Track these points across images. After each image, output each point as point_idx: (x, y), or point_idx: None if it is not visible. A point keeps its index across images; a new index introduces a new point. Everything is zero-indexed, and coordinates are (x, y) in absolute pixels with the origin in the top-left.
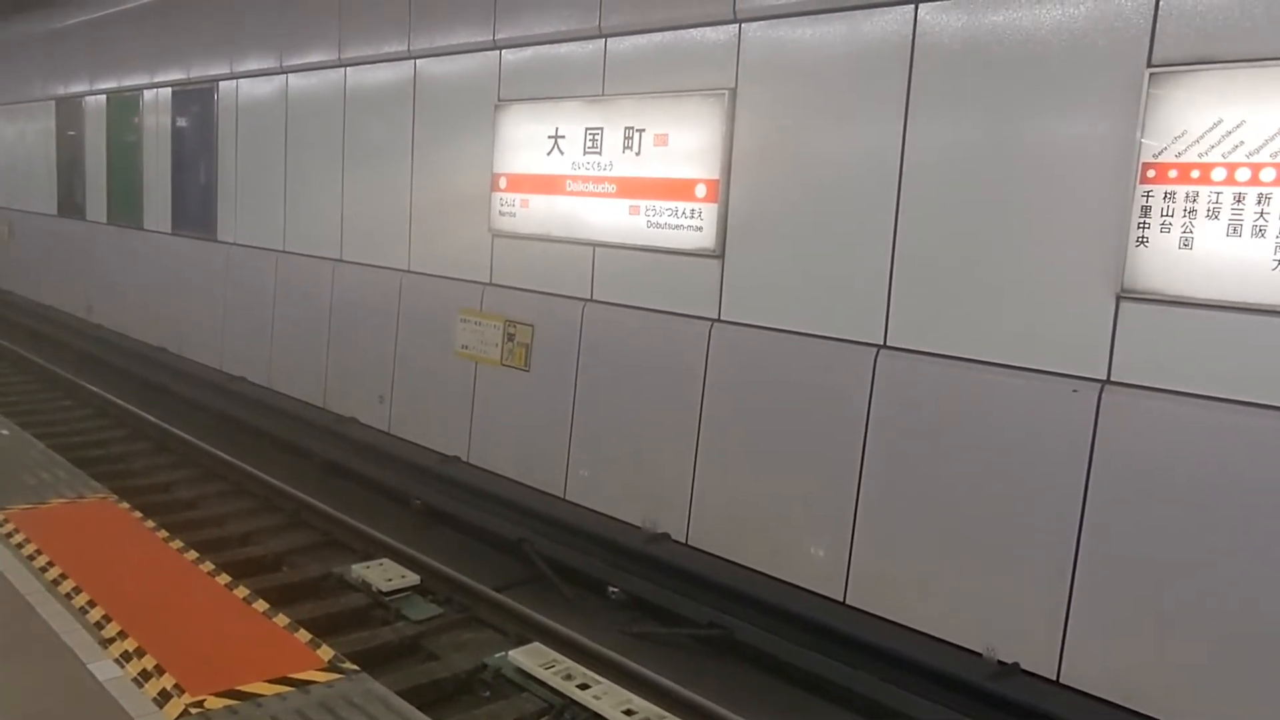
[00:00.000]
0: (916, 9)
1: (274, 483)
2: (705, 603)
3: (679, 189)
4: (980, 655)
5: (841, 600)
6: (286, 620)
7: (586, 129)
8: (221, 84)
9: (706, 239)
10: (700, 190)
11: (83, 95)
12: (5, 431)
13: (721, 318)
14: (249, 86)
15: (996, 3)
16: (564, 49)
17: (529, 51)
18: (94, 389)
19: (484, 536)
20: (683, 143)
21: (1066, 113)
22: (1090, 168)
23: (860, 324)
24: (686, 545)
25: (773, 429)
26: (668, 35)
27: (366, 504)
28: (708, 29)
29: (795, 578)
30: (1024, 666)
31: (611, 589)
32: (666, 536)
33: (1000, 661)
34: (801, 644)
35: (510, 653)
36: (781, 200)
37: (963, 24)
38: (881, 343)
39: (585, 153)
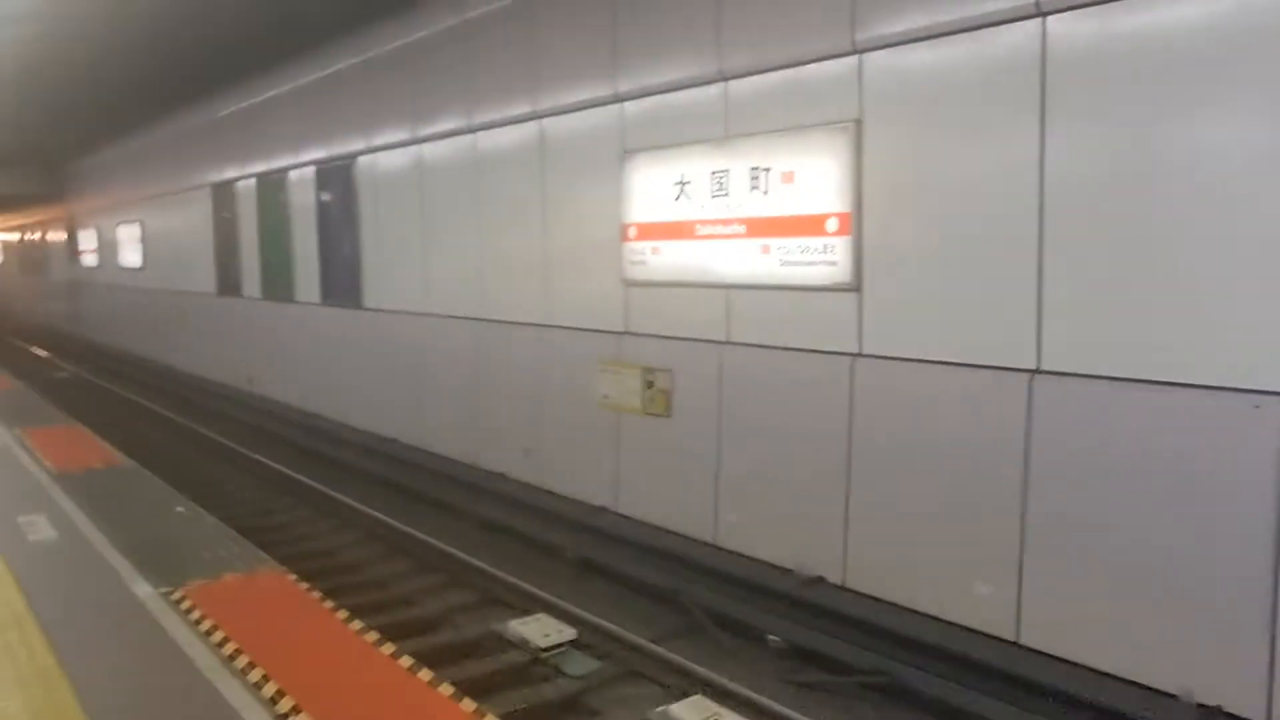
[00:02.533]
0: (1044, 22)
1: (431, 542)
2: (867, 647)
3: (809, 225)
4: (1176, 698)
5: (1014, 641)
6: (450, 689)
7: (712, 172)
8: (360, 159)
9: (841, 273)
10: (832, 224)
11: (235, 180)
12: (181, 509)
13: (863, 351)
14: (385, 159)
15: (1130, 6)
16: (685, 95)
17: (651, 101)
18: (258, 457)
19: (637, 586)
20: (810, 178)
21: (1222, 113)
22: (1259, 169)
23: (1011, 349)
24: (843, 588)
25: (926, 462)
26: (788, 73)
27: (519, 558)
28: (828, 63)
29: (962, 618)
30: (1228, 709)
31: (770, 636)
32: (821, 580)
33: (1201, 705)
34: (973, 688)
35: (672, 707)
36: (917, 227)
37: (1094, 31)
38: (1035, 367)
39: (713, 196)
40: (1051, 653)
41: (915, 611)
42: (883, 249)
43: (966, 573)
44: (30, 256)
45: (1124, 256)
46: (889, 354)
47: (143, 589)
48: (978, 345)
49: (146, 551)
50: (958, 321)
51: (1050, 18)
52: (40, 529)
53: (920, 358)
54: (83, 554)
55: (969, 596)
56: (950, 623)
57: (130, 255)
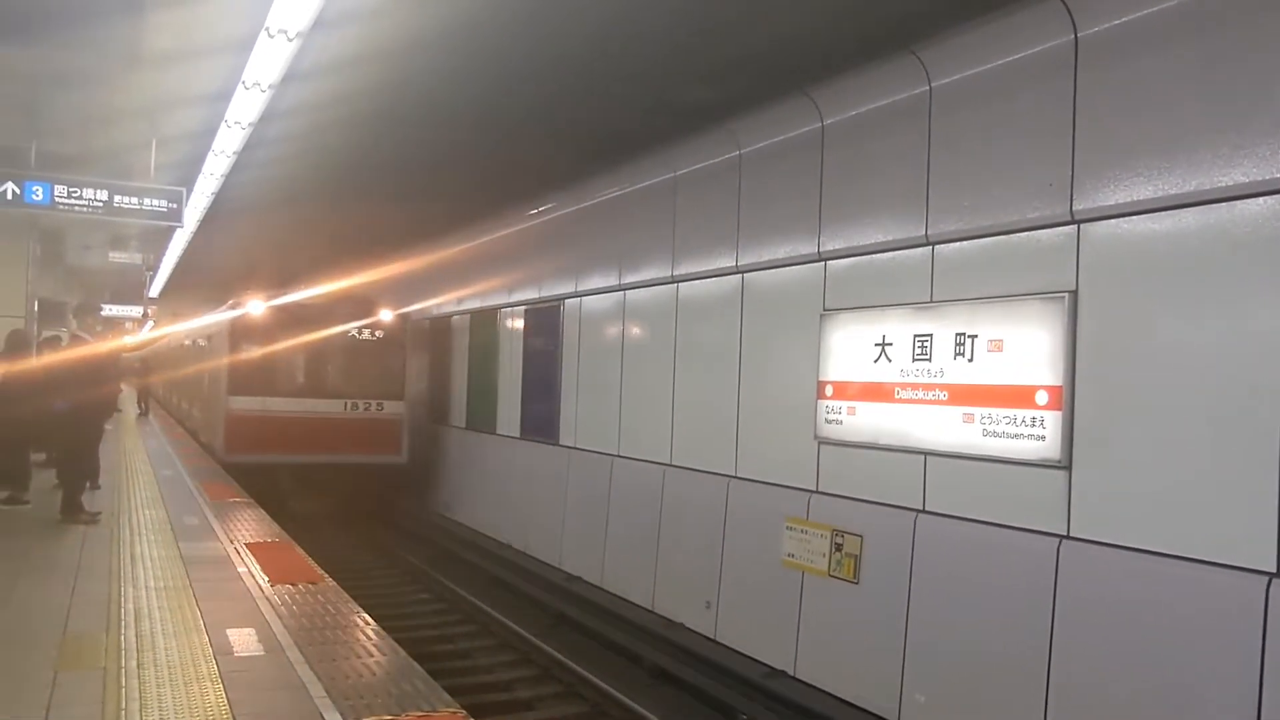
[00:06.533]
0: None
1: (605, 688)
2: None
3: (1017, 396)
4: None
5: None
6: None
7: (915, 335)
8: (567, 301)
9: (1050, 448)
10: (1041, 397)
11: (450, 315)
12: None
13: (1071, 534)
14: (591, 302)
15: None
16: (889, 257)
17: (854, 261)
18: (447, 583)
19: None
20: (1019, 348)
21: None
22: None
23: (1248, 546)
24: None
25: (1137, 656)
26: (999, 240)
27: (693, 715)
28: (1042, 231)
29: None
30: None
31: None
32: None
33: None
34: None
35: None
36: (1139, 403)
37: None
38: (1275, 570)
39: (914, 359)
40: None
41: None
42: (1099, 425)
43: None
44: None
45: None
46: (1100, 539)
47: (333, 717)
48: (1208, 540)
49: (340, 678)
50: (1186, 511)
51: None
52: (249, 644)
53: (1140, 547)
54: (283, 675)
55: None
56: None
57: None
